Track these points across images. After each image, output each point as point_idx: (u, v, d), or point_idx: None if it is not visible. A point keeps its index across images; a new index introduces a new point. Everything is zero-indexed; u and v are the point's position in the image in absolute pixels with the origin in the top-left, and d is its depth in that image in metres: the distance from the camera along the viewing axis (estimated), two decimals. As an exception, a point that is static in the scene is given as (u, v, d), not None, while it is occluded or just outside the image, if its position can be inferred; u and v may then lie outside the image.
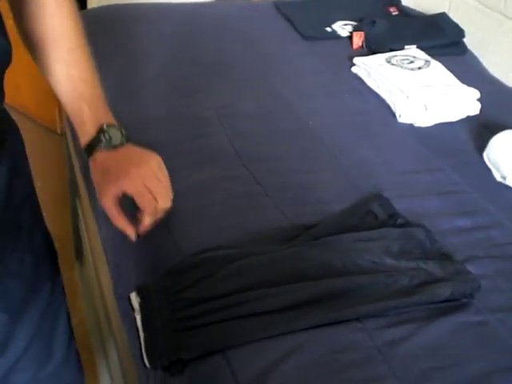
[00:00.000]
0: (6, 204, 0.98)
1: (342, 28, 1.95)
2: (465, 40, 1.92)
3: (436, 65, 1.65)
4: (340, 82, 1.68)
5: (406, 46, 1.78)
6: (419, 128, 1.50)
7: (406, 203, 1.21)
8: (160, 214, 1.07)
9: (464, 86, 1.56)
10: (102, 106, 1.11)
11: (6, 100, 0.97)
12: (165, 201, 1.07)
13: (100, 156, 1.08)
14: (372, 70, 1.64)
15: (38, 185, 1.12)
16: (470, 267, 1.08)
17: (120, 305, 1.14)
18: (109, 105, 1.12)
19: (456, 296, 1.02)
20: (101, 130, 1.08)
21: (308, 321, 0.94)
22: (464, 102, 1.54)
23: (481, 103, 1.55)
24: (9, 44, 0.92)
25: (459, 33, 1.91)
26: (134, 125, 1.35)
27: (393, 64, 1.64)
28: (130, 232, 1.06)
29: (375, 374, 0.88)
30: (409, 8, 2.13)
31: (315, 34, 1.92)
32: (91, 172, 1.11)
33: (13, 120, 1.04)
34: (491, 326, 0.99)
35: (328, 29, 1.96)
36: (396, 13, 2.07)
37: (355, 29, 1.91)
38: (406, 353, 0.91)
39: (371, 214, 1.17)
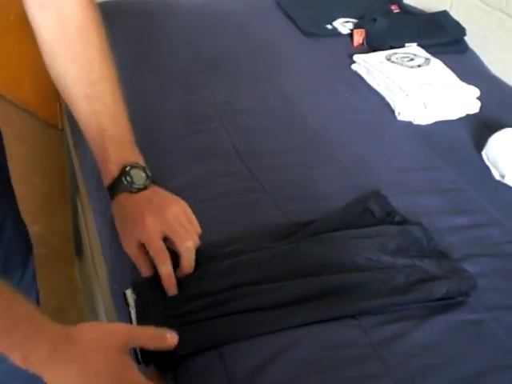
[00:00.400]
0: None
1: (343, 25, 1.95)
2: (466, 38, 1.92)
3: (436, 63, 1.65)
4: (340, 80, 1.68)
5: (407, 44, 1.78)
6: (418, 126, 1.50)
7: (404, 201, 1.21)
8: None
9: (464, 84, 1.56)
10: (126, 144, 1.05)
11: (7, 94, 0.97)
12: (191, 246, 1.00)
13: (121, 199, 1.02)
14: (372, 67, 1.63)
15: (37, 181, 1.11)
16: (467, 265, 1.08)
17: (116, 301, 1.14)
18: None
19: (452, 294, 1.02)
20: (123, 172, 1.02)
21: (303, 317, 0.94)
22: (463, 100, 1.54)
23: (481, 101, 1.55)
24: None
25: (460, 31, 1.90)
26: (134, 120, 1.36)
27: (393, 62, 1.64)
28: (145, 273, 1.00)
29: (370, 371, 0.88)
30: (410, 6, 2.13)
31: (316, 30, 1.92)
32: (113, 214, 1.04)
33: None
34: (487, 324, 0.99)
35: (329, 26, 1.95)
36: (397, 10, 2.06)
37: (356, 26, 1.91)
38: (402, 350, 0.91)
39: (368, 212, 1.17)
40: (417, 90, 1.52)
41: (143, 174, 1.03)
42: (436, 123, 1.51)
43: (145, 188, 1.02)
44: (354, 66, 1.71)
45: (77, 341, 0.80)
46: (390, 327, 0.95)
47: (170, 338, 0.86)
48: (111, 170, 1.02)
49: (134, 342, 0.86)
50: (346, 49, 1.84)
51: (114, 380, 0.79)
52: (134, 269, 1.01)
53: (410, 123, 1.51)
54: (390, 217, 1.17)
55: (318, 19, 1.97)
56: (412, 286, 1.01)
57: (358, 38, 1.86)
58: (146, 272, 0.99)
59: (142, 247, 0.98)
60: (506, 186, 1.32)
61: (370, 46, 1.83)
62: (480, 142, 1.40)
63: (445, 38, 1.87)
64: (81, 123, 1.05)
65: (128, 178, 1.01)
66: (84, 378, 0.78)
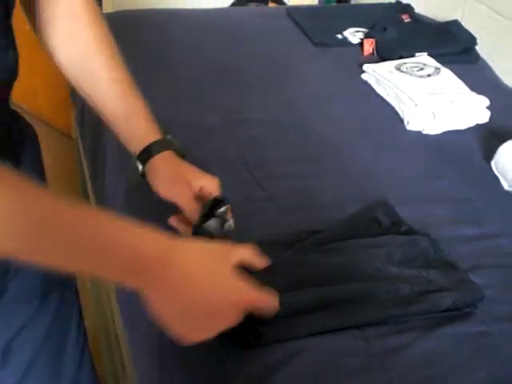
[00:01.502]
0: None
1: (353, 35, 1.95)
2: (477, 47, 1.91)
3: (446, 72, 1.64)
4: (350, 89, 1.68)
5: (417, 54, 1.77)
6: (427, 135, 1.50)
7: (413, 211, 1.21)
8: None
9: (473, 94, 1.55)
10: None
11: (22, 104, 0.97)
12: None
13: (168, 156, 1.03)
14: (381, 77, 1.63)
15: (51, 189, 1.11)
16: (475, 276, 1.07)
17: (122, 308, 1.14)
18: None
19: (458, 305, 1.01)
20: (165, 137, 1.05)
21: (307, 328, 0.93)
22: (473, 110, 1.53)
23: (491, 111, 1.55)
24: (17, 59, 0.90)
25: (471, 40, 1.90)
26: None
27: (402, 71, 1.63)
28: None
29: (373, 382, 0.88)
30: (421, 15, 2.12)
31: (326, 40, 1.93)
32: (155, 172, 1.03)
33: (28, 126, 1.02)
34: (493, 336, 0.98)
35: (339, 35, 1.96)
36: (408, 20, 2.06)
37: (366, 36, 1.91)
38: (405, 361, 0.91)
39: (375, 221, 1.17)
40: (426, 99, 1.51)
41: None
42: (445, 133, 1.50)
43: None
44: (363, 76, 1.71)
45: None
46: (393, 338, 0.94)
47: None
48: (155, 131, 1.04)
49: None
50: (356, 58, 1.84)
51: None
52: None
53: (419, 133, 1.50)
54: (397, 226, 1.16)
55: (329, 29, 1.98)
56: (417, 296, 1.00)
57: (368, 47, 1.85)
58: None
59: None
60: (515, 196, 1.31)
61: (380, 56, 1.82)
62: (489, 152, 1.40)
63: (456, 48, 1.86)
64: (107, 108, 1.05)
65: (173, 140, 1.04)
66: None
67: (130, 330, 1.16)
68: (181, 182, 1.02)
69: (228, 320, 0.80)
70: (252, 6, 2.76)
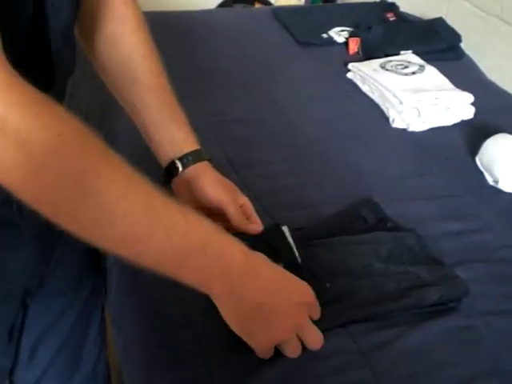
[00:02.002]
0: None
1: (339, 34, 1.96)
2: (462, 44, 1.92)
3: (430, 69, 1.65)
4: (335, 88, 1.69)
5: (402, 52, 1.78)
6: (412, 133, 1.50)
7: (398, 208, 1.21)
8: None
9: (458, 91, 1.56)
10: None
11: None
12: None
13: (205, 166, 1.07)
14: (366, 75, 1.64)
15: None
16: (460, 271, 1.07)
17: (109, 309, 1.15)
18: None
19: (444, 300, 1.01)
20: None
21: None
22: (458, 107, 1.54)
23: (476, 107, 1.55)
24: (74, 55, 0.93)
25: (456, 37, 1.91)
26: (127, 130, 1.36)
27: (387, 69, 1.64)
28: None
29: (359, 378, 0.88)
30: (406, 13, 2.13)
31: (311, 40, 1.93)
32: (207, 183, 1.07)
33: None
34: (478, 330, 0.98)
35: (324, 35, 1.96)
36: (393, 18, 2.07)
37: (351, 35, 1.92)
38: (391, 357, 0.91)
39: (361, 218, 1.17)
40: (410, 97, 1.52)
41: None
42: (430, 130, 1.51)
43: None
44: (349, 75, 1.72)
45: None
46: (378, 334, 0.94)
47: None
48: (193, 140, 1.08)
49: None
50: (342, 57, 1.85)
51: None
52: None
53: (404, 130, 1.51)
54: (383, 223, 1.16)
55: (314, 28, 1.98)
56: (403, 292, 1.01)
57: (354, 46, 1.86)
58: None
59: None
60: (499, 191, 1.32)
61: (366, 55, 1.83)
62: (474, 148, 1.40)
63: (440, 45, 1.88)
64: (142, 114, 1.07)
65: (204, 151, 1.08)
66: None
67: (118, 331, 1.16)
68: (230, 190, 1.07)
69: (293, 320, 0.85)
70: (238, 7, 2.77)
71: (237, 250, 0.81)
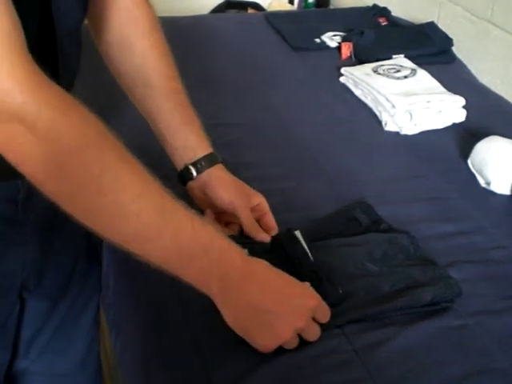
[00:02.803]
0: None
1: (331, 39, 1.97)
2: (453, 48, 1.94)
3: (422, 73, 1.67)
4: (328, 92, 1.70)
5: (394, 56, 1.80)
6: (405, 136, 1.52)
7: (391, 210, 1.22)
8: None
9: (449, 94, 1.57)
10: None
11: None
12: None
13: (220, 169, 1.10)
14: (359, 79, 1.65)
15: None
16: (453, 272, 1.08)
17: (107, 311, 1.15)
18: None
19: (437, 300, 1.02)
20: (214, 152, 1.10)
21: None
22: (449, 110, 1.55)
23: (467, 110, 1.57)
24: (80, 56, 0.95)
25: (447, 41, 1.92)
26: (122, 136, 1.37)
27: (379, 73, 1.65)
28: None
29: (352, 377, 0.89)
30: (398, 18, 2.15)
31: (304, 45, 1.95)
32: (207, 180, 1.09)
33: None
34: (470, 329, 0.99)
35: (317, 40, 1.98)
36: (385, 23, 2.09)
37: (344, 39, 1.93)
38: (384, 356, 0.92)
39: (354, 220, 1.18)
40: (403, 100, 1.53)
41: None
42: (422, 133, 1.53)
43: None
44: (341, 79, 1.73)
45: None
46: (373, 334, 0.96)
47: None
48: (207, 146, 1.10)
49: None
50: (335, 62, 1.86)
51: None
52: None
53: (396, 133, 1.53)
54: (376, 225, 1.18)
55: (307, 33, 2.00)
56: (397, 293, 1.02)
57: (346, 51, 1.88)
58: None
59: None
60: (491, 192, 1.33)
61: (358, 59, 1.85)
62: (466, 151, 1.41)
63: (432, 49, 1.89)
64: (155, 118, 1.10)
65: (219, 154, 1.10)
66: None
67: (116, 333, 1.17)
68: (243, 194, 1.09)
69: (294, 324, 0.87)
70: (231, 13, 2.79)
71: (237, 254, 0.84)
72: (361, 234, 1.15)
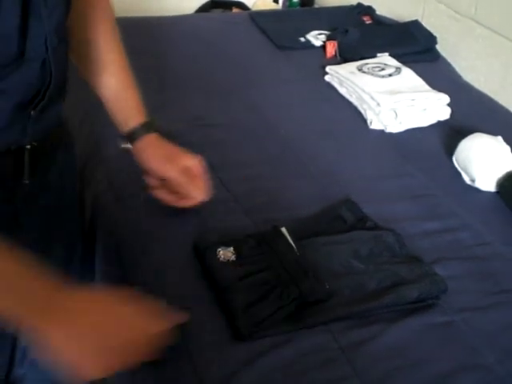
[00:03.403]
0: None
1: (316, 38, 1.98)
2: (437, 46, 1.95)
3: (407, 71, 1.67)
4: (313, 91, 1.70)
5: (379, 54, 1.80)
6: (390, 134, 1.52)
7: (377, 208, 1.23)
8: None
9: (434, 92, 1.58)
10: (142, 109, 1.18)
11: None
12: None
13: (153, 137, 1.15)
14: (344, 78, 1.66)
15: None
16: (438, 269, 1.09)
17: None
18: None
19: (423, 297, 1.03)
20: (151, 119, 1.16)
21: (274, 328, 0.95)
22: (434, 108, 1.56)
23: (452, 108, 1.57)
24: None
25: (431, 39, 1.93)
26: (106, 137, 1.37)
27: (364, 72, 1.66)
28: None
29: (339, 375, 0.89)
30: (382, 16, 2.16)
31: (289, 44, 1.95)
32: (144, 151, 1.14)
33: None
34: (456, 326, 1.00)
35: (302, 39, 1.98)
36: (369, 21, 2.09)
37: (328, 38, 1.93)
38: (370, 354, 0.93)
39: (340, 219, 1.18)
40: (388, 99, 1.53)
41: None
42: (407, 131, 1.53)
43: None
44: (326, 78, 1.74)
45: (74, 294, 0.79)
46: (359, 331, 0.96)
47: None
48: (137, 119, 1.15)
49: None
50: (320, 61, 1.86)
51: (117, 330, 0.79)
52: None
53: (381, 132, 1.53)
54: (362, 223, 1.18)
55: (292, 32, 2.00)
56: (383, 290, 1.03)
57: (331, 49, 1.88)
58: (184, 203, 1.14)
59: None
60: (476, 189, 1.34)
61: (343, 57, 1.85)
62: (451, 148, 1.42)
63: (416, 47, 1.90)
64: (102, 93, 1.16)
65: (155, 122, 1.16)
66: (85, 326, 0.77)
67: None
68: (171, 159, 1.14)
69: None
70: (216, 12, 2.78)
71: (39, 288, 0.77)
72: (346, 232, 1.15)
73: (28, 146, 0.93)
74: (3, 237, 0.76)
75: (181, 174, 1.13)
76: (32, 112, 0.90)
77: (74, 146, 1.14)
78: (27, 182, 0.94)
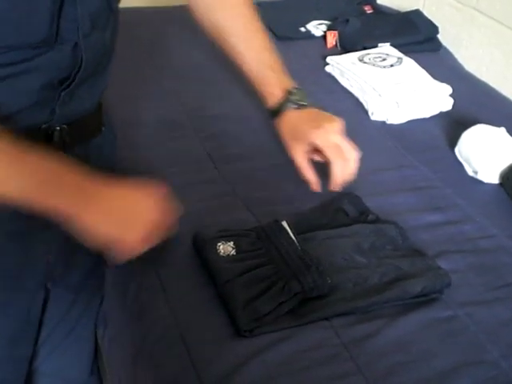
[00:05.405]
0: None
1: (316, 28, 1.96)
2: (439, 36, 1.93)
3: (408, 62, 1.66)
4: (314, 82, 1.68)
5: (380, 44, 1.78)
6: (392, 125, 1.51)
7: (378, 200, 1.22)
8: (348, 174, 1.16)
9: (436, 82, 1.56)
10: (284, 71, 1.24)
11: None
12: (354, 160, 1.16)
13: (289, 115, 1.19)
14: (344, 68, 1.64)
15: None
16: (441, 262, 1.08)
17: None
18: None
19: (426, 292, 1.02)
20: (289, 92, 1.20)
21: (273, 327, 0.94)
22: (436, 98, 1.54)
23: (454, 98, 1.56)
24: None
25: (433, 29, 1.91)
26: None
27: (365, 62, 1.64)
28: (316, 186, 1.19)
29: (341, 371, 0.88)
30: (383, 6, 2.13)
31: (290, 34, 1.93)
32: (280, 132, 1.21)
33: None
34: (460, 320, 0.99)
35: (302, 29, 1.96)
36: (370, 11, 2.07)
37: (329, 28, 1.92)
38: (373, 349, 0.92)
39: (342, 212, 1.17)
40: (389, 89, 1.52)
41: (305, 94, 1.24)
42: (409, 122, 1.52)
43: (308, 105, 1.22)
44: (327, 68, 1.72)
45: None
46: (361, 327, 0.95)
47: None
48: (275, 93, 1.22)
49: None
50: (320, 51, 1.84)
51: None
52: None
53: (383, 123, 1.51)
54: (364, 216, 1.17)
55: (292, 22, 1.98)
56: (386, 285, 1.01)
57: (332, 39, 1.86)
58: (316, 186, 1.19)
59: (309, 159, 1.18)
60: (478, 181, 1.33)
61: (344, 48, 1.83)
62: (453, 139, 1.41)
63: (418, 37, 1.88)
64: (240, 59, 1.27)
65: (296, 96, 1.21)
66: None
67: (104, 327, 1.16)
68: (300, 136, 1.18)
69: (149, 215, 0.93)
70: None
71: (78, 179, 0.88)
72: (348, 226, 1.14)
73: (58, 128, 0.95)
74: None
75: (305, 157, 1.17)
76: (62, 93, 0.92)
77: (113, 133, 1.15)
78: None
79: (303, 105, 1.21)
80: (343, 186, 1.17)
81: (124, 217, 0.92)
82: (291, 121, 1.19)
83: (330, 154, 1.16)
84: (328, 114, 1.21)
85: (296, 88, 1.22)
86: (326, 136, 1.16)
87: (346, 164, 1.16)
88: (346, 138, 1.19)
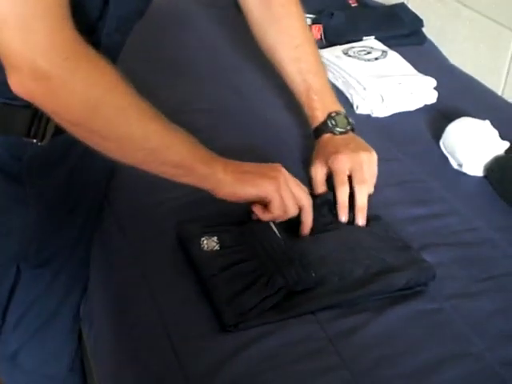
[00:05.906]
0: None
1: (301, 21, 1.95)
2: (424, 29, 1.93)
3: (393, 55, 1.65)
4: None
5: (364, 37, 1.78)
6: (377, 118, 1.50)
7: (363, 194, 1.21)
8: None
9: (420, 75, 1.57)
10: (329, 95, 1.28)
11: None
12: (365, 189, 1.16)
13: (324, 138, 1.23)
14: (329, 62, 1.63)
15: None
16: (426, 255, 1.08)
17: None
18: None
19: (411, 285, 1.02)
20: (329, 117, 1.23)
21: (260, 321, 0.94)
22: (421, 91, 1.54)
23: (439, 92, 1.56)
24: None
25: (418, 22, 1.91)
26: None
27: (350, 56, 1.64)
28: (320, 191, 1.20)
29: (326, 365, 0.88)
30: (368, -1, 2.13)
31: (274, 27, 1.92)
32: (315, 151, 1.24)
33: None
34: (445, 313, 0.99)
35: (287, 22, 1.95)
36: (355, 4, 2.06)
37: (313, 21, 1.91)
38: (358, 343, 0.92)
39: (326, 205, 1.17)
40: (374, 83, 1.52)
41: (345, 121, 1.25)
42: (394, 115, 1.51)
43: (346, 132, 1.24)
44: (312, 62, 1.71)
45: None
46: (346, 320, 0.95)
47: None
48: (318, 116, 1.25)
49: None
50: (305, 44, 1.83)
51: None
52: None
53: (368, 116, 1.51)
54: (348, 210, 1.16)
55: (276, 16, 1.96)
56: (371, 278, 1.01)
57: (316, 33, 1.85)
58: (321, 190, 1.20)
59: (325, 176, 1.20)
60: (463, 174, 1.33)
61: (328, 41, 1.82)
62: (438, 132, 1.41)
63: (402, 30, 1.88)
64: (289, 82, 1.30)
65: (333, 121, 1.23)
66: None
67: (90, 327, 1.16)
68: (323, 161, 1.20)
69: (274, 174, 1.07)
70: (201, -3, 2.75)
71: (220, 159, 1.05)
72: (332, 220, 1.14)
73: None
74: None
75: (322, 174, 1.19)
76: None
77: None
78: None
79: (339, 131, 1.23)
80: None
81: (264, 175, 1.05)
82: (323, 144, 1.22)
83: (337, 180, 1.17)
84: (360, 142, 1.23)
85: (337, 113, 1.25)
86: (337, 161, 1.17)
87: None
88: (375, 170, 1.21)
